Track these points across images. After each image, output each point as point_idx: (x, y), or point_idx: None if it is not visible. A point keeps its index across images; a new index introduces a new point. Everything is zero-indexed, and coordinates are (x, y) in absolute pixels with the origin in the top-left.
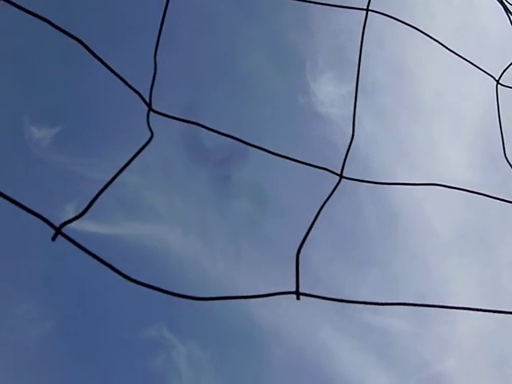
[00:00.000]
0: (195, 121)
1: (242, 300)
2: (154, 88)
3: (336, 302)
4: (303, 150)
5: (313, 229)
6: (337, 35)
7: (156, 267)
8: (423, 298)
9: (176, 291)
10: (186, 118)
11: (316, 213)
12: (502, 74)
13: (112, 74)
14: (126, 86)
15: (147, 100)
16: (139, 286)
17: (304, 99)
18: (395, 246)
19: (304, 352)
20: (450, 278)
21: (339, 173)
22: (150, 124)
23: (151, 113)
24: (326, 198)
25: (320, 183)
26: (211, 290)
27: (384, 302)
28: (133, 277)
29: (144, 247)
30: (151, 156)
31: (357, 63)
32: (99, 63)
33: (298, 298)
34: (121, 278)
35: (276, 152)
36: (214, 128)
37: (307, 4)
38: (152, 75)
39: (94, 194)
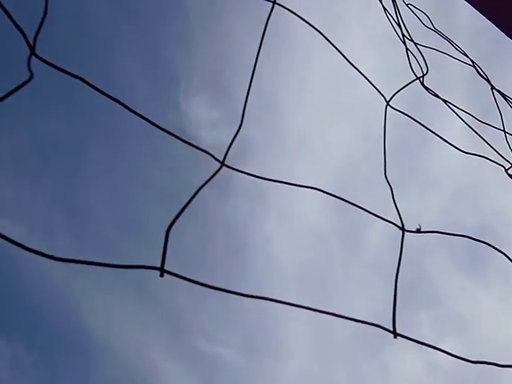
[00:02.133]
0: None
1: (76, 310)
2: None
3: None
4: (163, 169)
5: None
6: (215, 60)
7: None
8: (257, 331)
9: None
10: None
11: (191, 196)
12: (393, 96)
13: None
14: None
15: (31, 43)
16: None
17: (173, 117)
18: (239, 276)
19: (132, 370)
20: (286, 316)
21: (221, 160)
22: (31, 67)
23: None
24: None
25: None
26: (48, 291)
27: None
28: None
29: None
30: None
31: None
32: None
33: (161, 275)
34: None
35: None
36: None
37: (191, 24)
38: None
39: None
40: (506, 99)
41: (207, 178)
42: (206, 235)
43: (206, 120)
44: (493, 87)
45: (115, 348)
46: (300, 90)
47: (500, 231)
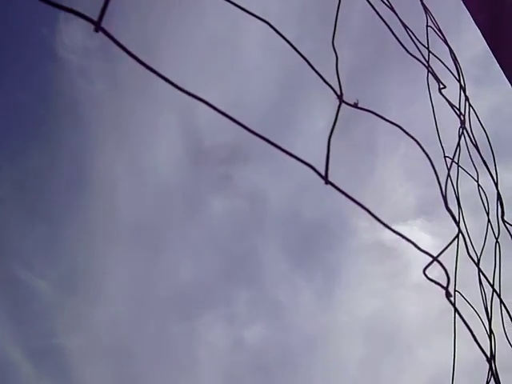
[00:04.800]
0: None
1: None
2: None
3: None
4: (27, 82)
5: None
6: None
7: None
8: (78, 271)
9: None
10: None
11: None
12: None
13: None
14: None
15: None
16: None
17: (48, 34)
18: (79, 210)
19: None
20: (111, 258)
21: None
22: None
23: None
24: None
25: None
26: None
27: None
28: None
29: None
30: None
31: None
32: None
33: (96, 31)
34: None
35: None
36: None
37: None
38: None
39: None
40: (445, 40)
41: None
42: (52, 162)
43: (81, 46)
44: (429, 19)
45: None
46: (184, 43)
47: (335, 231)
